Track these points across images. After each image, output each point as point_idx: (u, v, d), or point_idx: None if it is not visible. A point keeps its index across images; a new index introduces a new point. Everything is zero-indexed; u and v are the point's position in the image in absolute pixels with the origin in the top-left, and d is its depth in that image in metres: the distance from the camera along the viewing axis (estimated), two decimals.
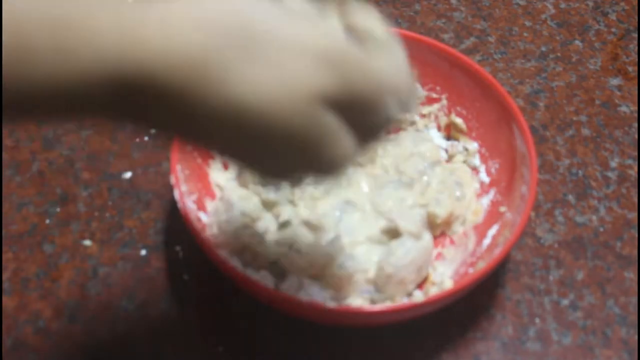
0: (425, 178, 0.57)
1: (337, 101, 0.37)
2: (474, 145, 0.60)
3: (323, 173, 0.39)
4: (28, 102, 0.35)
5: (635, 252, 0.59)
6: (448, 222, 0.57)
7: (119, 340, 0.54)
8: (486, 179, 0.59)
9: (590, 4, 0.74)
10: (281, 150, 0.37)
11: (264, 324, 0.55)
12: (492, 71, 0.69)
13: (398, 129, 0.63)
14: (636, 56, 0.70)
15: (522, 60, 0.70)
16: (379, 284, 0.53)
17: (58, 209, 0.59)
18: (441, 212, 0.56)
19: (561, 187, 0.62)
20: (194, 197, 0.55)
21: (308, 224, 0.54)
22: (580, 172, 0.63)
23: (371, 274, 0.53)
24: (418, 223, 0.55)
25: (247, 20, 0.36)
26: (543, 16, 0.73)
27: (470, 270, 0.54)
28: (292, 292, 0.52)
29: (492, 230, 0.56)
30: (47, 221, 0.59)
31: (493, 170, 0.59)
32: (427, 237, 0.55)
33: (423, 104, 0.62)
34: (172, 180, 0.53)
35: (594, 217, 0.61)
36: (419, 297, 0.54)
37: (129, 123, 0.38)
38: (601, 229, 0.60)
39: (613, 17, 0.74)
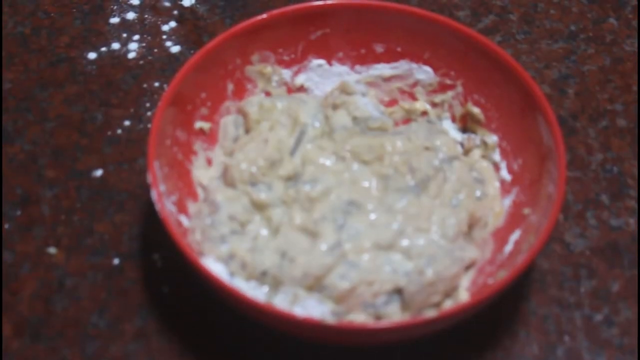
0: (441, 175, 0.57)
1: None
2: (493, 139, 0.60)
3: None
4: None
5: None
6: (468, 227, 0.57)
7: None
8: (508, 177, 0.59)
9: None
10: None
11: (253, 343, 0.55)
12: (514, 54, 0.69)
13: (407, 119, 0.63)
14: None
15: (549, 41, 0.70)
16: (408, 292, 0.53)
17: (19, 212, 0.60)
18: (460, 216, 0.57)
19: (593, 185, 0.63)
20: (174, 198, 0.55)
21: (304, 229, 0.54)
22: (616, 169, 0.63)
23: (401, 279, 0.53)
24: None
25: None
26: None
27: (490, 281, 0.54)
28: (285, 306, 0.52)
29: (515, 235, 0.56)
30: (6, 226, 0.59)
31: (515, 166, 0.59)
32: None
33: (435, 91, 0.63)
34: (149, 178, 0.53)
35: (631, 220, 0.61)
36: (430, 311, 0.54)
37: None
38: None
39: None
